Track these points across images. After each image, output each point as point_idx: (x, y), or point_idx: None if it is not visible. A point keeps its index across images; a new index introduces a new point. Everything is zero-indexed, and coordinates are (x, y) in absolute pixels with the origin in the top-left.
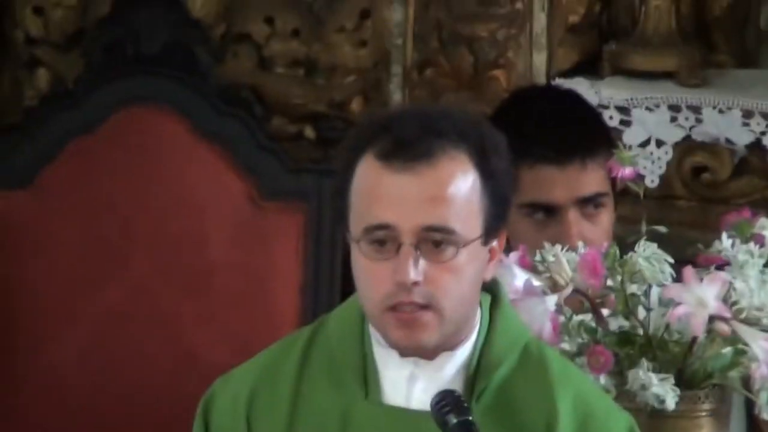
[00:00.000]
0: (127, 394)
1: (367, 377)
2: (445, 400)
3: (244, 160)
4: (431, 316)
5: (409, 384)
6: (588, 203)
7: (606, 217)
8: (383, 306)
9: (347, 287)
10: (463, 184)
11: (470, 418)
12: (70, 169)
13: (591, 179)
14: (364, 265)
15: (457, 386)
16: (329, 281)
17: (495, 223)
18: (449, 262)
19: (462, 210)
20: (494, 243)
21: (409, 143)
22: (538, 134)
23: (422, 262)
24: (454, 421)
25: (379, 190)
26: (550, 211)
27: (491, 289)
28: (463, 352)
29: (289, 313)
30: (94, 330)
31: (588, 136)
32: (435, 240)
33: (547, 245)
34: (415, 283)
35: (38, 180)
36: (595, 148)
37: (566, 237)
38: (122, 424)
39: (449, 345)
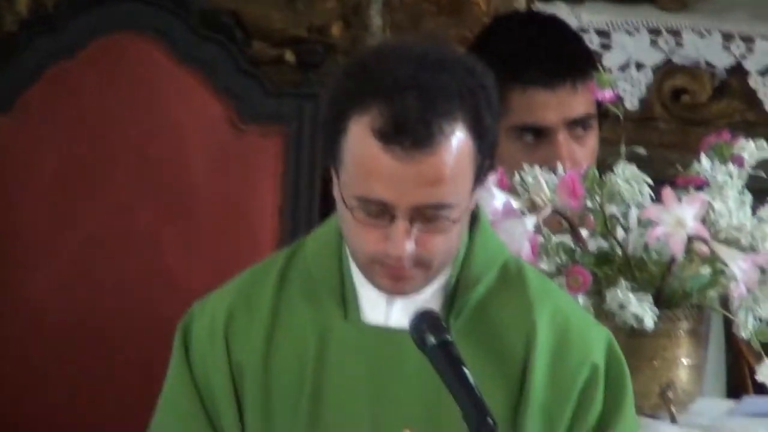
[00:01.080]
0: (107, 321)
1: (346, 297)
2: (423, 321)
3: (224, 84)
4: (419, 271)
5: (388, 303)
6: (577, 125)
7: (593, 139)
8: (370, 258)
9: (326, 210)
10: (459, 159)
11: (449, 337)
12: (50, 94)
13: (581, 101)
14: (354, 225)
15: (436, 305)
16: (308, 204)
17: (484, 170)
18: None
19: (457, 183)
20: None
21: (408, 129)
22: (529, 58)
23: (415, 231)
24: (433, 341)
25: (376, 169)
26: (540, 134)
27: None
28: (442, 274)
29: (267, 236)
30: (74, 256)
31: (577, 58)
32: (429, 214)
33: (527, 167)
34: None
35: (18, 105)
36: (584, 70)
37: (557, 159)
38: (103, 351)
39: None
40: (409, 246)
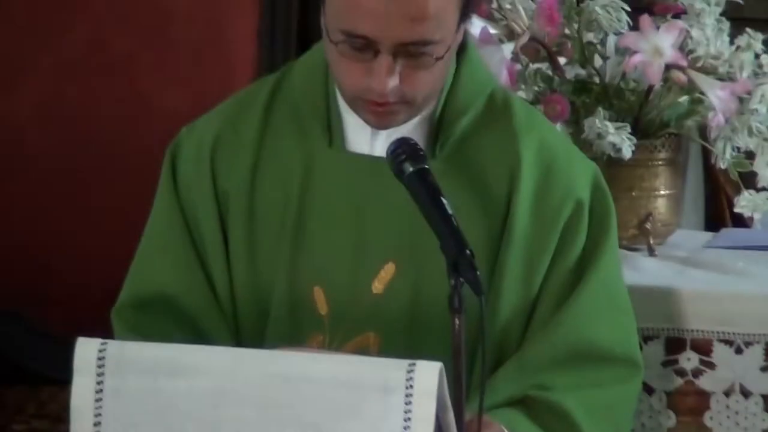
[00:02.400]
0: (83, 144)
1: (331, 125)
2: (401, 149)
3: None
4: (403, 107)
5: (373, 131)
6: None
7: None
8: (356, 94)
9: (303, 35)
10: None
11: (426, 166)
12: None
13: None
14: (339, 59)
15: (421, 135)
16: (285, 28)
17: (469, 5)
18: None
19: (442, 19)
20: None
21: None
22: None
23: (399, 68)
24: (411, 169)
25: (360, 2)
26: None
27: None
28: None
29: (245, 61)
30: (50, 80)
31: None
32: (414, 51)
33: None
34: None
35: None
36: None
37: None
38: (80, 171)
39: None
40: (392, 82)
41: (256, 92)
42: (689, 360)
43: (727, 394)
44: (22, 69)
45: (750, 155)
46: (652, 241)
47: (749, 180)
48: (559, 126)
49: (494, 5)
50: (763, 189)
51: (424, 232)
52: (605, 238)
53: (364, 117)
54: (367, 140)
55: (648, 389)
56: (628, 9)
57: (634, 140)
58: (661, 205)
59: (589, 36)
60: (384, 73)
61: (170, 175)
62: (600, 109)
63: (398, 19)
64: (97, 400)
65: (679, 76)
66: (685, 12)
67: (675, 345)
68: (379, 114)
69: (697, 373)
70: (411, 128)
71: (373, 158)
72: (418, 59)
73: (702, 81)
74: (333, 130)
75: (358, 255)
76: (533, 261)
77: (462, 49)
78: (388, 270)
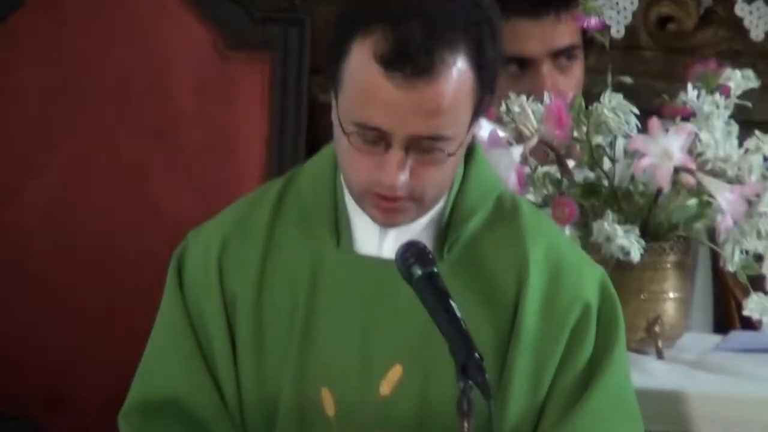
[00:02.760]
0: (91, 249)
1: (339, 226)
2: (409, 252)
3: (211, 10)
4: (411, 204)
5: (381, 233)
6: (561, 55)
7: (578, 70)
8: (365, 189)
9: (313, 139)
10: (459, 90)
11: (435, 269)
12: (38, 17)
13: (564, 31)
14: (351, 152)
15: (429, 237)
16: (294, 133)
17: (482, 104)
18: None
19: (456, 115)
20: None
21: (411, 56)
22: None
23: (410, 162)
24: (419, 272)
25: (375, 95)
26: (524, 65)
27: None
28: (436, 206)
29: (254, 165)
30: (59, 182)
31: None
32: (425, 146)
33: (513, 97)
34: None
35: (4, 29)
36: (567, 0)
37: (540, 90)
38: (87, 278)
39: None
40: (403, 176)
41: (264, 194)
42: None
43: None
44: (29, 173)
45: (759, 258)
46: (660, 344)
47: (758, 283)
48: (567, 229)
49: (503, 108)
50: None
51: (432, 334)
52: (613, 343)
53: (372, 213)
54: (375, 242)
55: None
56: (637, 112)
57: (643, 243)
58: (669, 308)
59: (598, 139)
60: (395, 167)
61: (176, 278)
62: (609, 212)
63: (413, 112)
64: None
65: (687, 179)
66: (693, 115)
67: None
68: (386, 210)
69: None
70: (419, 230)
71: (381, 260)
72: (430, 155)
73: (711, 184)
74: (341, 232)
75: (365, 357)
76: (542, 365)
77: (469, 152)
78: (395, 372)
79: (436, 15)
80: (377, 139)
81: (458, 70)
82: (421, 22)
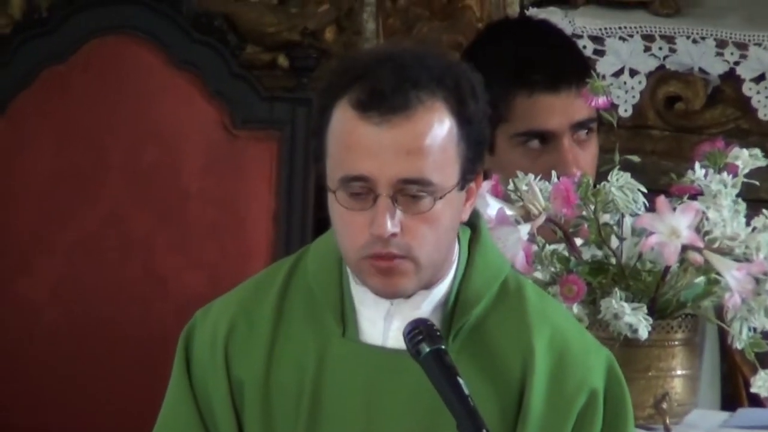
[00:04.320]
0: (101, 325)
1: (345, 315)
2: (417, 329)
3: (218, 89)
4: (408, 265)
5: (386, 322)
6: (581, 128)
7: (595, 143)
8: (360, 255)
9: (320, 216)
10: (440, 133)
11: (443, 346)
12: (44, 98)
13: (583, 104)
14: (341, 214)
15: (436, 322)
16: (302, 210)
17: (472, 166)
18: (426, 212)
19: (439, 160)
20: (471, 184)
21: (385, 95)
22: (533, 63)
23: (399, 213)
24: (427, 349)
25: (355, 141)
26: (545, 140)
27: (471, 221)
28: (440, 290)
29: (261, 242)
30: (67, 260)
31: (578, 62)
32: (412, 192)
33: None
34: (393, 235)
35: (12, 107)
36: (585, 73)
37: (563, 164)
38: (96, 355)
39: (426, 285)
40: (392, 225)
41: (271, 278)
42: None
43: None
44: (40, 250)
45: (766, 336)
46: (668, 421)
47: (766, 360)
48: (575, 307)
49: (510, 187)
50: None
51: (438, 422)
52: (622, 424)
53: (372, 283)
54: (380, 331)
55: None
56: (645, 190)
57: (651, 321)
58: (677, 385)
59: (606, 217)
60: (383, 214)
61: (184, 359)
62: (616, 289)
63: (394, 152)
64: None
65: (695, 257)
66: (701, 193)
67: None
68: (385, 272)
69: None
70: (425, 316)
71: (385, 350)
72: (418, 203)
73: (718, 262)
74: (347, 320)
75: None
76: None
77: (475, 235)
78: None
79: (410, 63)
80: (363, 190)
81: (437, 114)
82: (394, 66)
